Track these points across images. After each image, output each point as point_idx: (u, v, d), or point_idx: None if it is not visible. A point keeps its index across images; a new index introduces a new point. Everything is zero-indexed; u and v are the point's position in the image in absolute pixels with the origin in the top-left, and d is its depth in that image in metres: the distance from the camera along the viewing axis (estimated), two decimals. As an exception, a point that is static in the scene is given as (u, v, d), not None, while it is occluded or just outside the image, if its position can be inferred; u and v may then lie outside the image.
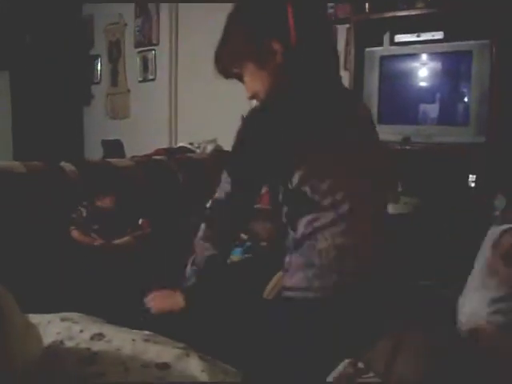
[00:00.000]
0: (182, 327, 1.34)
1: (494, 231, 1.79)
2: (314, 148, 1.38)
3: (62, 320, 1.18)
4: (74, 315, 1.24)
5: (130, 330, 1.17)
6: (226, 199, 1.43)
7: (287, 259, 1.46)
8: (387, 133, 2.96)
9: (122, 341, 1.09)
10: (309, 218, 1.38)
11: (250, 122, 1.42)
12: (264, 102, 1.48)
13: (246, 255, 2.54)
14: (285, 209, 1.46)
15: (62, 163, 2.56)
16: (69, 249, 2.23)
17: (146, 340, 1.11)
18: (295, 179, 1.37)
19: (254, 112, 1.43)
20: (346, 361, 1.85)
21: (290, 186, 1.39)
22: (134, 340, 1.09)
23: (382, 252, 1.51)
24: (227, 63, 1.53)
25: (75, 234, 2.46)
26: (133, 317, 1.38)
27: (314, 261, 1.38)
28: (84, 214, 2.50)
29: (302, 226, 1.40)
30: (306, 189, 1.36)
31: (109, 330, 1.15)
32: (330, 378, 1.85)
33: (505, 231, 1.71)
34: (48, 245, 2.13)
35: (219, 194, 1.45)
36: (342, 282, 1.39)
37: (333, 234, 1.37)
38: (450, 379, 1.97)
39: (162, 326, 1.27)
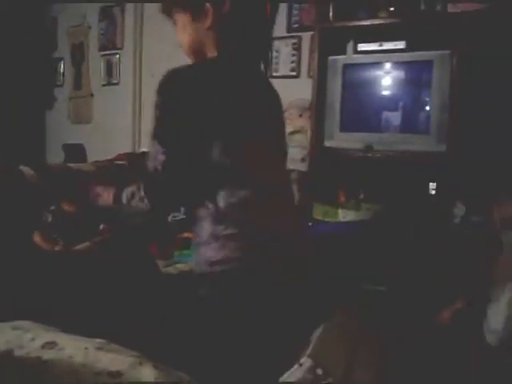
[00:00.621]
0: (134, 334, 1.31)
1: None
2: (233, 123, 1.40)
3: (13, 329, 1.15)
4: (26, 323, 1.21)
5: (84, 338, 1.14)
6: (162, 169, 1.37)
7: (207, 231, 1.43)
8: (349, 140, 2.99)
9: (74, 349, 1.07)
10: (229, 191, 1.39)
11: (170, 83, 1.41)
12: (187, 65, 1.46)
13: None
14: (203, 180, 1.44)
15: (21, 167, 2.51)
16: (27, 254, 2.19)
17: (99, 348, 1.08)
18: (215, 151, 1.36)
19: (175, 72, 1.41)
20: (304, 365, 1.85)
21: (210, 157, 1.38)
22: (86, 348, 1.07)
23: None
24: (167, 4, 1.59)
25: (37, 238, 2.41)
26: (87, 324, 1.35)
27: (241, 232, 1.39)
28: (49, 219, 2.46)
29: (222, 199, 1.40)
30: (226, 161, 1.37)
31: (61, 339, 1.12)
32: (286, 379, 1.85)
33: None
34: (4, 249, 2.09)
35: (153, 165, 1.38)
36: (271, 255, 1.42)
37: (254, 208, 1.40)
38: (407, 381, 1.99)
39: (115, 333, 1.24)
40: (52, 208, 2.48)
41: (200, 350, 1.40)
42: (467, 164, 2.69)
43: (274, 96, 1.67)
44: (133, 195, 1.46)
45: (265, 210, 1.43)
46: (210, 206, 1.42)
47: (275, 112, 1.67)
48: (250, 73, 1.55)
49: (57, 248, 2.40)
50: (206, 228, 1.43)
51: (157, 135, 1.38)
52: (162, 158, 1.35)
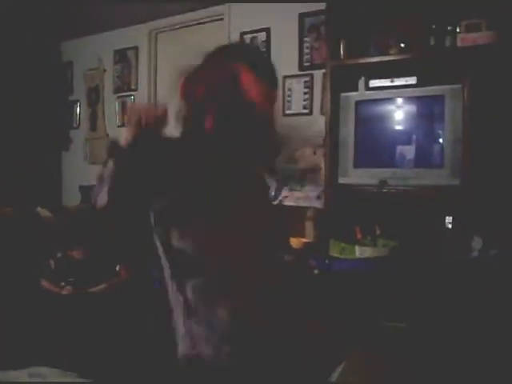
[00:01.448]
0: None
1: None
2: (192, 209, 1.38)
3: (30, 376, 1.15)
4: (43, 370, 1.21)
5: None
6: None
7: (181, 328, 1.42)
8: (364, 176, 2.99)
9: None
10: (196, 281, 1.37)
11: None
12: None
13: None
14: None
15: (38, 208, 2.55)
16: (38, 299, 2.20)
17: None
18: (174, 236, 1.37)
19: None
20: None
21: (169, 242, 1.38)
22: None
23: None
24: None
25: (45, 284, 2.44)
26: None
27: (214, 326, 1.36)
28: (52, 266, 2.48)
29: (190, 290, 1.38)
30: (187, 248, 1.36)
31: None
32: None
33: None
34: (17, 293, 2.10)
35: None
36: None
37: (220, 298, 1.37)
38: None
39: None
40: (59, 255, 2.50)
41: None
42: (482, 197, 2.67)
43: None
44: None
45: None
46: (180, 297, 1.41)
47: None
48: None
49: (65, 292, 2.41)
50: (179, 323, 1.42)
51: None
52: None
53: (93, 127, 5.12)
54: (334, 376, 2.02)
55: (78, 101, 5.24)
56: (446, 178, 2.81)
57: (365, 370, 2.12)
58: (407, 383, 2.19)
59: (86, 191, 4.06)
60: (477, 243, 2.70)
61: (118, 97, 4.89)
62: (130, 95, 4.80)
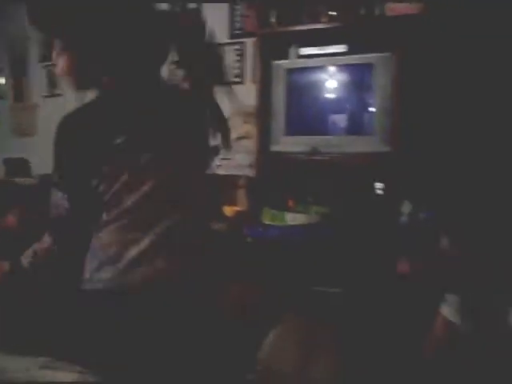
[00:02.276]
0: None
1: None
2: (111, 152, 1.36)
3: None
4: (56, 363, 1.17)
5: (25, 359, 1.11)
6: (66, 215, 1.38)
7: None
8: (295, 144, 3.00)
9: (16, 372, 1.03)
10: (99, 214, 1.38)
11: (59, 130, 1.37)
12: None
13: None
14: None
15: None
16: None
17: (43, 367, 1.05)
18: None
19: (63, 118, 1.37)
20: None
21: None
22: (28, 369, 1.03)
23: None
24: None
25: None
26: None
27: (97, 254, 1.37)
28: None
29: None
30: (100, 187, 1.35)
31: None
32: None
33: None
34: None
35: (57, 212, 1.39)
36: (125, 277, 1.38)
37: (116, 229, 1.37)
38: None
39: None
40: None
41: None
42: (411, 163, 2.73)
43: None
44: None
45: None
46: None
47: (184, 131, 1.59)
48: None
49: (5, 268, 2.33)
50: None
51: (56, 183, 1.38)
52: (64, 204, 1.36)
53: (18, 98, 4.92)
54: (269, 339, 2.05)
55: (2, 70, 5.00)
56: (376, 145, 2.85)
57: (298, 333, 2.16)
58: (340, 347, 2.24)
59: (11, 164, 3.92)
60: (406, 207, 2.76)
61: (44, 66, 4.70)
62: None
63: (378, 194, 2.84)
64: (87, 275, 1.38)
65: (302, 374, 1.97)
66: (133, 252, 1.35)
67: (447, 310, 2.08)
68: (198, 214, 1.52)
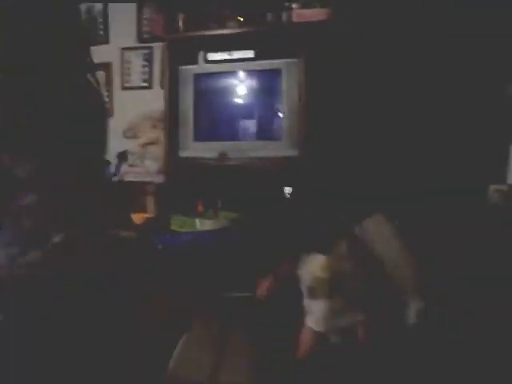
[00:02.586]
0: None
1: None
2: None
3: None
4: None
5: None
6: None
7: None
8: (204, 150, 2.99)
9: None
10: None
11: None
12: None
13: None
14: None
15: None
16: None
17: None
18: None
19: None
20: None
21: None
22: None
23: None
24: None
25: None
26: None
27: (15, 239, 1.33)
28: None
29: None
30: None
31: None
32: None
33: None
34: None
35: None
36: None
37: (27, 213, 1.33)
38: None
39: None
40: None
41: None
42: (320, 166, 2.77)
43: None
44: None
45: None
46: None
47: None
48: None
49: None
50: None
51: None
52: None
53: None
54: (179, 346, 2.01)
55: None
56: (284, 150, 2.88)
57: (209, 339, 2.13)
58: (252, 351, 2.23)
59: None
60: (316, 211, 2.79)
61: None
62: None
63: (287, 198, 2.86)
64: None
65: (212, 380, 1.94)
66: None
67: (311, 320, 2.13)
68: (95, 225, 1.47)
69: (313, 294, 2.14)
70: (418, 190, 2.63)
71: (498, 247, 2.37)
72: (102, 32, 3.55)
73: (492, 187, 2.61)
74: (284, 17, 2.93)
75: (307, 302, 2.16)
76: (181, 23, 3.11)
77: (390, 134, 2.75)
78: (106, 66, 3.50)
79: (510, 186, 2.57)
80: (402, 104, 2.75)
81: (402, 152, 2.71)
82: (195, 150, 3.02)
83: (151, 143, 3.19)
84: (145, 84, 3.47)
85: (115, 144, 3.27)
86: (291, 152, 2.85)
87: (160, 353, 1.89)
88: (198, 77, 3.03)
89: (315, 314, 2.15)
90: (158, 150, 3.16)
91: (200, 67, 3.08)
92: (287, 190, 2.88)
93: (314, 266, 2.16)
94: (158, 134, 3.16)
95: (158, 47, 3.46)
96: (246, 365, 2.11)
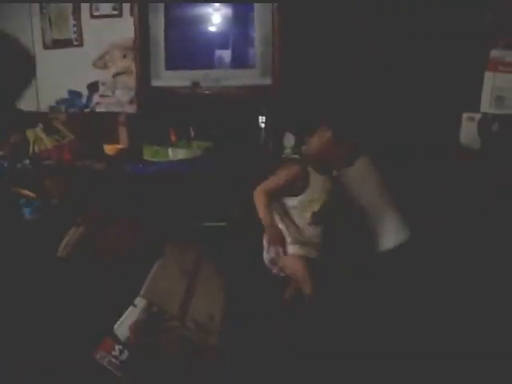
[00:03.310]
0: None
1: None
2: None
3: None
4: None
5: None
6: None
7: None
8: (176, 79, 2.94)
9: None
10: None
11: None
12: None
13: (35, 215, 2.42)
14: None
15: None
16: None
17: None
18: None
19: None
20: (139, 306, 1.83)
21: None
22: None
23: None
24: None
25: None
26: None
27: None
28: None
29: None
30: None
31: None
32: (121, 326, 1.82)
33: None
34: None
35: None
36: None
37: None
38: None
39: None
40: None
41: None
42: (292, 95, 2.74)
43: None
44: None
45: None
46: None
47: None
48: None
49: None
50: None
51: None
52: None
53: None
54: (152, 272, 2.02)
55: None
56: (257, 78, 2.84)
57: (181, 267, 2.15)
58: (223, 278, 2.26)
59: None
60: (289, 141, 2.78)
61: None
62: None
63: (261, 128, 2.83)
64: None
65: (185, 305, 1.96)
66: None
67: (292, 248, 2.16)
68: None
69: (317, 219, 2.18)
70: (391, 119, 2.63)
71: (470, 178, 2.40)
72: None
73: (465, 115, 2.62)
74: None
75: (298, 230, 2.19)
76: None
77: (363, 63, 2.72)
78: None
79: (483, 113, 2.57)
80: (375, 31, 2.71)
81: (374, 81, 2.69)
82: (167, 79, 2.96)
83: (122, 73, 3.11)
84: (114, 12, 3.35)
85: (85, 74, 3.21)
86: (265, 80, 2.81)
87: (133, 278, 1.91)
88: (169, 4, 2.94)
89: (312, 239, 2.19)
90: (129, 80, 3.08)
91: (170, -6, 2.98)
92: (261, 119, 2.85)
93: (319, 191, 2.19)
94: (129, 64, 3.07)
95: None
96: (217, 293, 2.14)
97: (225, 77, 2.89)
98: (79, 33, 3.25)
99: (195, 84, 2.86)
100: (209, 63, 2.96)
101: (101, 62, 3.11)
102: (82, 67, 3.18)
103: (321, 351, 1.98)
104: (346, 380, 1.90)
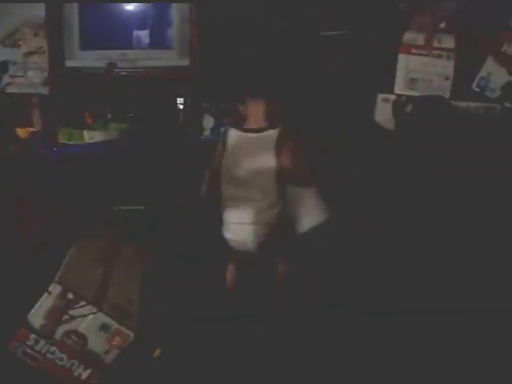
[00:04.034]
0: None
1: None
2: None
3: None
4: None
5: None
6: None
7: None
8: (92, 59, 2.86)
9: None
10: None
11: None
12: None
13: None
14: None
15: None
16: None
17: None
18: None
19: None
20: (53, 292, 1.79)
21: None
22: None
23: None
24: None
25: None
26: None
27: None
28: None
29: None
30: None
31: None
32: (35, 314, 1.78)
33: None
34: None
35: None
36: None
37: None
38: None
39: None
40: None
41: None
42: (210, 76, 2.73)
43: None
44: None
45: None
46: None
47: None
48: None
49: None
50: None
51: None
52: None
53: None
54: (67, 257, 1.98)
55: None
56: (175, 59, 2.80)
57: (98, 251, 2.11)
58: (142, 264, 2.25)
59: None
60: (208, 122, 2.78)
61: None
62: None
63: (179, 109, 2.81)
64: None
65: (102, 290, 1.94)
66: None
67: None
68: None
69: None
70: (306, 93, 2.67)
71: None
72: None
73: (380, 96, 2.69)
74: None
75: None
76: None
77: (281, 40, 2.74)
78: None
79: (398, 95, 2.65)
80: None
81: (293, 60, 2.72)
82: (82, 59, 2.86)
83: (34, 52, 2.98)
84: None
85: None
86: (182, 61, 2.78)
87: (47, 264, 1.86)
88: (84, -20, 2.85)
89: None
90: (41, 60, 2.96)
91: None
92: (179, 100, 2.83)
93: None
94: (41, 42, 2.95)
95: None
96: (136, 277, 2.13)
97: (142, 57, 2.84)
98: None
99: (111, 64, 2.79)
100: (126, 43, 2.89)
101: (10, 40, 2.97)
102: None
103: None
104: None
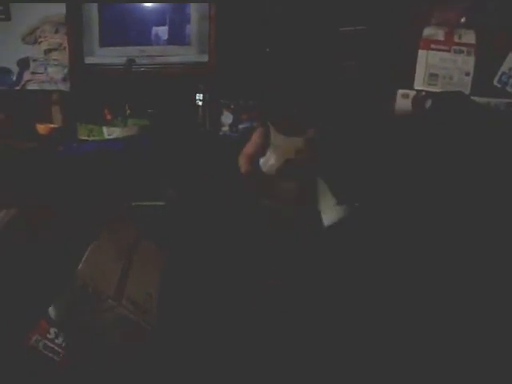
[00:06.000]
0: None
1: None
2: None
3: None
4: None
5: None
6: None
7: None
8: (111, 56, 2.88)
9: None
10: None
11: None
12: None
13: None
14: None
15: None
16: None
17: None
18: None
19: None
20: (72, 287, 1.80)
21: None
22: None
23: None
24: None
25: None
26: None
27: None
28: None
29: None
30: None
31: None
32: (56, 308, 1.79)
33: None
34: None
35: None
36: None
37: None
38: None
39: None
40: None
41: None
42: (230, 72, 2.73)
43: None
44: None
45: None
46: None
47: None
48: None
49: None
50: None
51: None
52: None
53: None
54: (86, 254, 1.99)
55: None
56: (194, 55, 2.82)
57: (117, 248, 2.12)
58: (160, 254, 2.24)
59: None
60: (226, 117, 2.79)
61: None
62: None
63: (198, 105, 2.82)
64: None
65: (121, 285, 1.94)
66: None
67: None
68: None
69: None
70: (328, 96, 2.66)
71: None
72: None
73: (399, 92, 2.68)
74: None
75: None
76: None
77: (301, 39, 2.73)
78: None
79: (417, 90, 2.63)
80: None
81: (310, 59, 2.71)
82: (102, 55, 2.90)
83: (54, 49, 3.02)
84: (45, -15, 3.24)
85: (15, 50, 3.09)
86: (201, 57, 2.80)
87: (67, 262, 1.87)
88: (103, -22, 2.87)
89: None
90: (62, 57, 3.00)
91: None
92: (198, 96, 2.84)
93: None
94: (62, 39, 2.99)
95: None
96: (155, 272, 2.13)
97: (161, 54, 2.86)
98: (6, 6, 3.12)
99: (131, 61, 2.81)
100: (145, 40, 2.92)
101: (31, 37, 3.00)
102: (11, 42, 3.06)
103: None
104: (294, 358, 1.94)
